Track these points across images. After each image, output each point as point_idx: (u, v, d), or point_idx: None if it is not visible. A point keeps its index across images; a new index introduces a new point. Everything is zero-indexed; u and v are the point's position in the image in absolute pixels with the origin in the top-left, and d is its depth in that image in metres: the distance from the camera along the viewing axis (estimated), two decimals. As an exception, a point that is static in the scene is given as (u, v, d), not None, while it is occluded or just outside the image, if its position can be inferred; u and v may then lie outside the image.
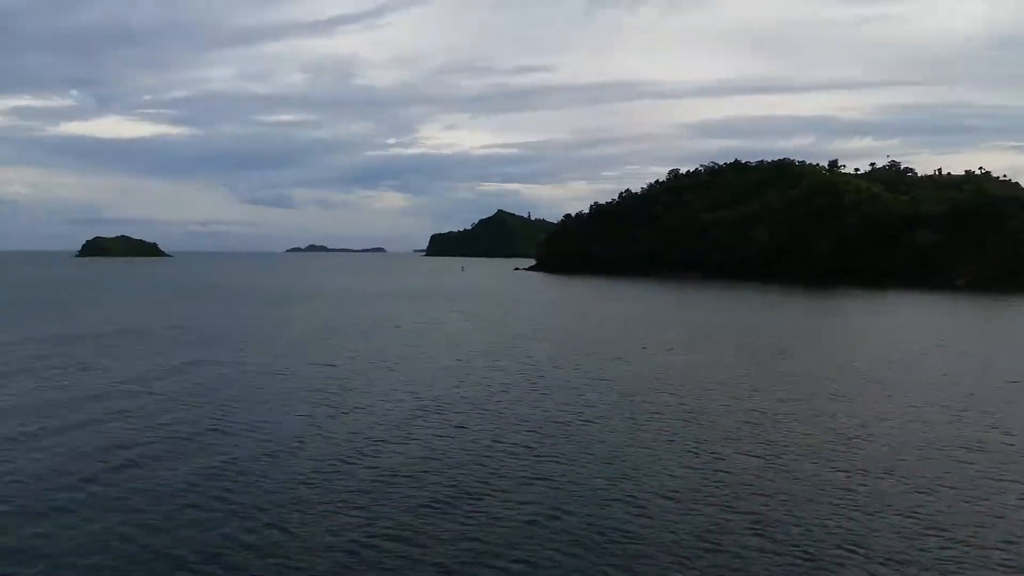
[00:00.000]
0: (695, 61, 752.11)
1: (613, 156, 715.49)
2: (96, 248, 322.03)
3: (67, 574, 9.85)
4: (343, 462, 14.80)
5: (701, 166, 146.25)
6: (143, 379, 24.00)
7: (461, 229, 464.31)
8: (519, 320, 45.52)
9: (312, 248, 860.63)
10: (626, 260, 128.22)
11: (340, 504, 12.42)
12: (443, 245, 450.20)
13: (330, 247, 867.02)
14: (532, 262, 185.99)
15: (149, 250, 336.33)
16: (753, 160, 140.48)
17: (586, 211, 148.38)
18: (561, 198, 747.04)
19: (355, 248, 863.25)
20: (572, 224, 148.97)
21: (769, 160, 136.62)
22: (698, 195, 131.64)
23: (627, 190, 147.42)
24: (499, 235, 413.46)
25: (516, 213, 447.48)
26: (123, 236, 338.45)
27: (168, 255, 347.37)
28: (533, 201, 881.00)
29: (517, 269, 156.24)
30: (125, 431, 17.14)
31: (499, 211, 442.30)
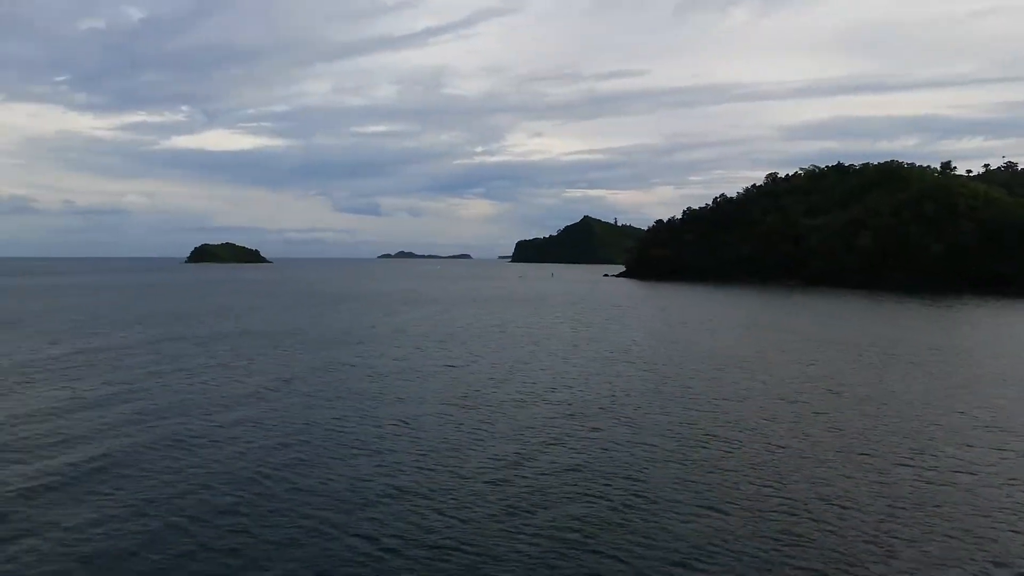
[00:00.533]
0: (790, 62, 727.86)
1: (702, 160, 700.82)
2: (203, 254, 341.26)
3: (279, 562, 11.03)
4: (498, 462, 15.54)
5: (800, 169, 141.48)
6: (286, 379, 25.69)
7: (547, 235, 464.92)
8: (625, 326, 45.50)
9: (401, 254, 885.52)
10: (719, 266, 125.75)
11: (510, 501, 13.17)
12: (529, 251, 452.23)
13: (418, 253, 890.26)
14: (621, 268, 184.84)
15: (251, 256, 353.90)
16: (856, 163, 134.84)
17: (678, 216, 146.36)
18: (647, 203, 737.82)
19: (442, 254, 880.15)
20: (663, 229, 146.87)
21: (873, 163, 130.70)
22: (797, 199, 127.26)
23: (722, 195, 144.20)
24: (585, 241, 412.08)
25: (602, 219, 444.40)
26: (228, 243, 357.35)
27: (269, 261, 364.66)
28: (619, 206, 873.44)
29: (606, 275, 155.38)
30: (283, 429, 18.50)
31: (585, 217, 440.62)
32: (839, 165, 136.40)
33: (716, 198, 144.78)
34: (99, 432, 17.81)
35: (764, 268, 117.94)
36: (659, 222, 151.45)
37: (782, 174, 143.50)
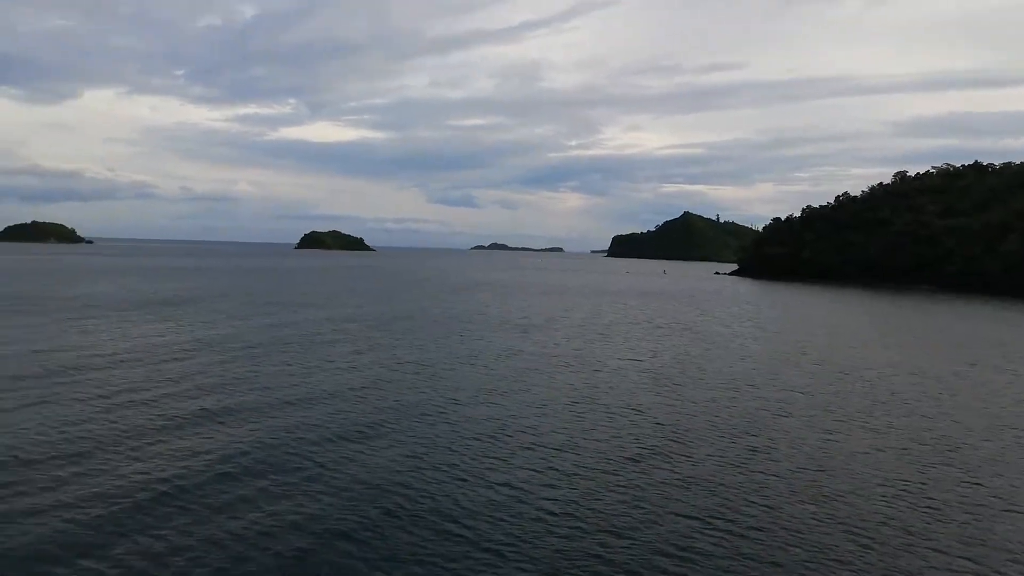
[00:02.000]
0: (904, 54, 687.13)
1: (807, 156, 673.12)
2: (312, 241, 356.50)
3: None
4: (640, 457, 16.04)
5: (932, 168, 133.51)
6: (474, 363, 27.00)
7: (644, 230, 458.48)
8: (765, 329, 44.75)
9: (494, 246, 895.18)
10: (842, 267, 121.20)
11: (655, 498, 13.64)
12: (624, 246, 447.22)
13: (510, 245, 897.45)
14: (727, 266, 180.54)
15: (356, 244, 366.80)
16: (996, 161, 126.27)
17: (795, 214, 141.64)
18: (748, 200, 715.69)
19: (534, 247, 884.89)
20: (781, 227, 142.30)
21: (1015, 162, 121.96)
22: (930, 199, 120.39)
23: (845, 193, 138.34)
24: (684, 237, 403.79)
25: (700, 214, 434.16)
26: (334, 231, 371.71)
27: (372, 249, 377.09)
28: (718, 203, 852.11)
29: (718, 273, 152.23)
30: (482, 415, 19.66)
31: (685, 213, 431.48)
32: (977, 164, 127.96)
33: (839, 196, 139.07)
34: (314, 406, 19.33)
35: (891, 271, 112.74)
36: (776, 220, 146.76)
37: (912, 172, 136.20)
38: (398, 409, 18.78)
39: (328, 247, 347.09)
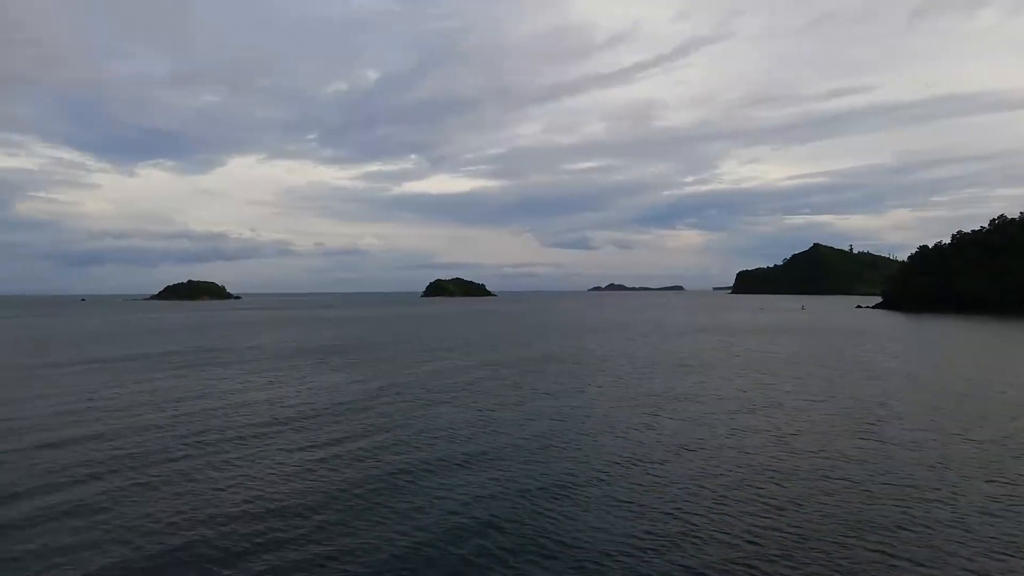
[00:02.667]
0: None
1: (946, 179, 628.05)
2: (437, 289, 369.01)
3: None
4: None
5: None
6: (602, 404, 27.04)
7: (768, 265, 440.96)
8: (937, 365, 41.69)
9: (611, 287, 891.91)
10: (999, 296, 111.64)
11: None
12: (750, 282, 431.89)
13: (628, 285, 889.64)
14: (868, 299, 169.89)
15: (478, 290, 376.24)
16: None
17: (938, 240, 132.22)
18: (881, 228, 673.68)
19: (653, 286, 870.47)
20: (930, 255, 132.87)
21: None
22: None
23: (1001, 216, 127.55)
24: (814, 270, 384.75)
25: (830, 246, 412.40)
26: (457, 278, 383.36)
27: (494, 294, 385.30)
28: (847, 232, 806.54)
29: (860, 307, 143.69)
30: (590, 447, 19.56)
31: (815, 245, 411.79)
32: None
33: (994, 219, 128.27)
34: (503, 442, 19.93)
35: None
36: (923, 247, 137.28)
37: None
38: (587, 460, 18.80)
39: (452, 294, 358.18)
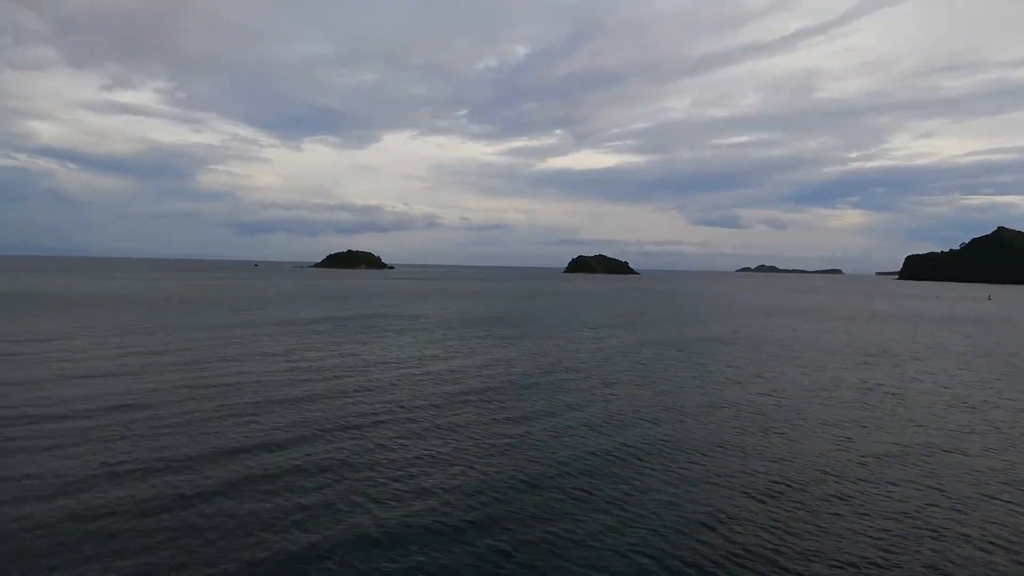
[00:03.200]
0: None
1: None
2: (579, 265, 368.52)
3: None
4: None
5: None
6: (794, 394, 25.31)
7: (942, 249, 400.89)
8: None
9: (762, 268, 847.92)
10: None
11: None
12: (921, 267, 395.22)
13: (780, 267, 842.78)
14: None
15: (621, 268, 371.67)
16: None
17: None
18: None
19: (807, 269, 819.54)
20: None
21: None
22: None
23: None
24: (996, 256, 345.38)
25: (1017, 230, 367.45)
26: (600, 255, 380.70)
27: (637, 272, 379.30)
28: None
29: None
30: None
31: (999, 228, 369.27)
32: None
33: None
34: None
35: None
36: None
37: None
38: (795, 457, 17.86)
39: (594, 271, 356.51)
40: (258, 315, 55.14)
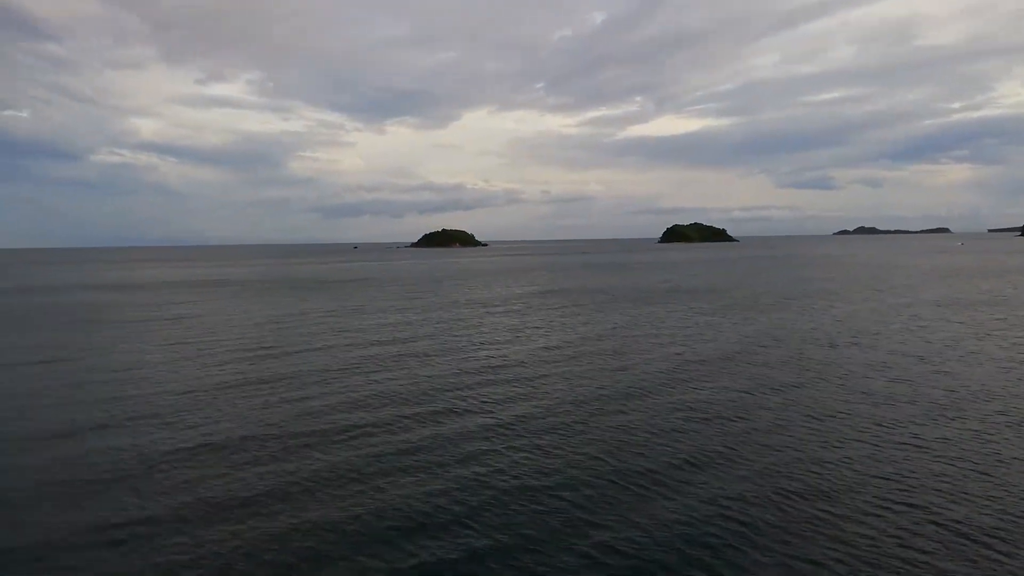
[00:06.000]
0: None
1: None
2: (675, 235, 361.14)
3: None
4: None
5: None
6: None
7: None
8: None
9: (860, 230, 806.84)
10: None
11: None
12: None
13: (880, 228, 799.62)
14: None
15: (719, 235, 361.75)
16: None
17: None
18: None
19: (911, 229, 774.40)
20: None
21: None
22: None
23: None
24: None
25: None
26: (697, 223, 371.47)
27: (736, 240, 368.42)
28: None
29: None
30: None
31: None
32: None
33: None
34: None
35: None
36: None
37: None
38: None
39: (691, 240, 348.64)
40: (448, 295, 55.87)
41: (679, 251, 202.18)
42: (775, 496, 11.99)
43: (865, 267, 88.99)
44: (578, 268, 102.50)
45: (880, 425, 16.17)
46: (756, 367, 23.45)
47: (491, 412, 17.93)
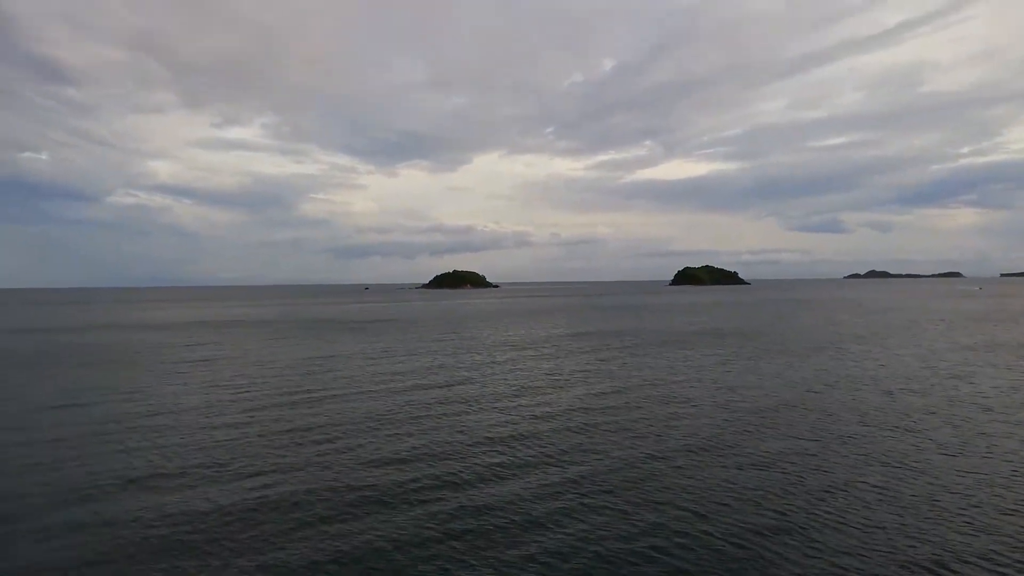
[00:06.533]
0: None
1: None
2: (686, 277, 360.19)
3: None
4: None
5: None
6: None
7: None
8: None
9: (872, 274, 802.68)
10: None
11: None
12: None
13: (892, 272, 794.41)
14: None
15: (730, 278, 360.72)
16: None
17: None
18: None
19: (922, 273, 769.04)
20: None
21: None
22: None
23: None
24: None
25: None
26: (708, 265, 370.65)
27: (747, 282, 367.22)
28: None
29: None
30: None
31: None
32: None
33: None
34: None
35: None
36: None
37: None
38: None
39: (702, 282, 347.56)
40: (474, 336, 55.30)
41: (692, 294, 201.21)
42: (891, 567, 11.16)
43: (891, 312, 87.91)
44: (596, 310, 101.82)
45: (969, 481, 15.32)
46: (815, 414, 22.62)
47: (557, 465, 17.14)
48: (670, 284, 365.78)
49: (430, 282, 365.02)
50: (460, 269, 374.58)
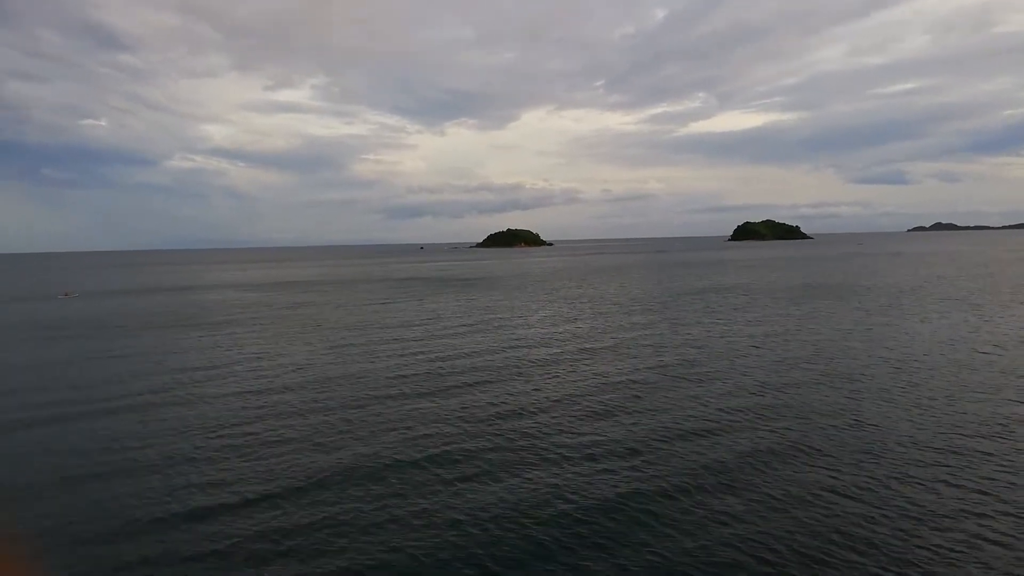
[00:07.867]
0: None
1: None
2: (746, 232, 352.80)
3: None
4: None
5: None
6: None
7: None
8: None
9: (938, 227, 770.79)
10: None
11: None
12: None
13: (959, 224, 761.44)
14: None
15: (792, 233, 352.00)
16: None
17: None
18: None
19: (992, 224, 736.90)
20: None
21: None
22: None
23: None
24: None
25: None
26: (769, 220, 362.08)
27: (810, 237, 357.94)
28: None
29: None
30: None
31: None
32: None
33: None
34: None
35: None
36: None
37: None
38: None
39: (763, 237, 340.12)
40: (571, 292, 55.64)
41: (760, 249, 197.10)
42: None
43: (988, 265, 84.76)
44: (673, 267, 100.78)
45: None
46: (1002, 376, 22.27)
47: (749, 429, 17.37)
48: (729, 239, 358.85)
49: (484, 241, 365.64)
50: (511, 227, 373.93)
